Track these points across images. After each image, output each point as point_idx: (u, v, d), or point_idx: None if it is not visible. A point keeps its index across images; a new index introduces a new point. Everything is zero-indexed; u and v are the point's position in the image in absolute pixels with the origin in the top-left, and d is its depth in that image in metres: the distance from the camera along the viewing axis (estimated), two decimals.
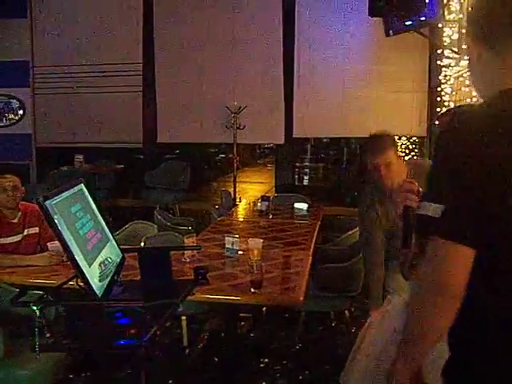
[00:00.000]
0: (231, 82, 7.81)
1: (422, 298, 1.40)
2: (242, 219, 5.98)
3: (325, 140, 12.31)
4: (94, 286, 1.64)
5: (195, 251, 3.93)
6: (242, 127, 7.63)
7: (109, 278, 1.83)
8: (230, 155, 8.99)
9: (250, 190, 10.86)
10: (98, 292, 1.66)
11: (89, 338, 1.63)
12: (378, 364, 2.21)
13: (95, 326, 1.61)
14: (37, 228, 4.08)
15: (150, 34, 8.06)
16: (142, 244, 4.31)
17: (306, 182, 11.20)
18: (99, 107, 8.23)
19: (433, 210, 1.33)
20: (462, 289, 1.33)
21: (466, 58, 4.79)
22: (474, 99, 4.57)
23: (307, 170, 11.85)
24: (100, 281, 1.74)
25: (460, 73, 5.25)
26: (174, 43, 7.99)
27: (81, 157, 8.16)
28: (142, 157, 9.13)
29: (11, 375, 2.80)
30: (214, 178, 11.10)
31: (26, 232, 4.02)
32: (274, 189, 9.06)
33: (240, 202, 7.40)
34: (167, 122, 8.10)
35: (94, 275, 1.71)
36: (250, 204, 6.82)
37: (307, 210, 5.96)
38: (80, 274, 1.61)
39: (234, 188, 7.89)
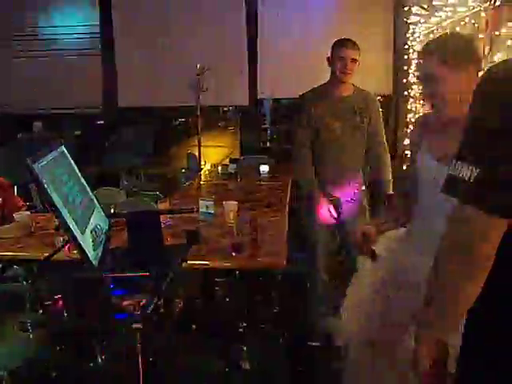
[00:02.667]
0: (194, 43, 7.57)
1: (451, 266, 1.32)
2: (210, 182, 5.86)
3: (284, 101, 12.16)
4: (89, 255, 1.51)
5: (167, 216, 3.82)
6: (205, 89, 7.44)
7: (101, 247, 1.69)
8: (190, 118, 8.81)
9: (213, 153, 10.66)
10: (95, 262, 1.53)
11: (86, 313, 1.51)
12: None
13: (93, 299, 1.49)
14: None
15: None
16: (112, 211, 4.15)
17: (268, 144, 11.07)
18: (55, 72, 7.87)
19: (465, 172, 1.22)
20: (492, 258, 1.25)
21: (436, 14, 4.73)
22: None
23: (269, 132, 11.71)
24: (94, 249, 1.60)
25: (430, 29, 5.18)
26: (132, 4, 7.68)
27: (39, 124, 7.84)
28: (102, 122, 8.84)
29: None
30: (176, 141, 10.84)
31: None
32: (237, 151, 8.92)
33: (205, 165, 7.26)
34: (128, 86, 7.83)
35: (87, 243, 1.57)
36: (215, 167, 6.70)
37: (269, 172, 5.93)
38: (75, 242, 1.47)
39: (199, 151, 7.71)
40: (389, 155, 4.12)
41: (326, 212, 3.90)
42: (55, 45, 7.84)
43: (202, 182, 5.86)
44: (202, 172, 6.42)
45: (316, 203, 3.91)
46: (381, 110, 4.19)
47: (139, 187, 5.74)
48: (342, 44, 3.77)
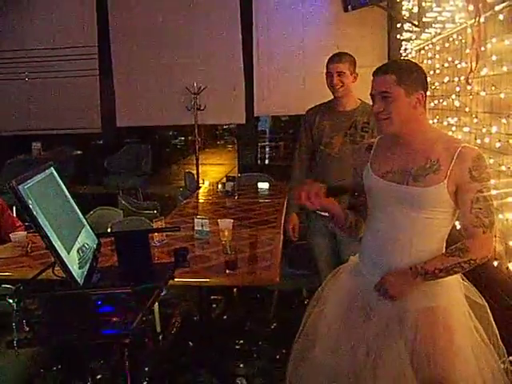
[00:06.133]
0: (190, 63, 7.67)
1: None
2: (207, 201, 5.90)
3: (283, 118, 12.28)
4: (74, 273, 1.55)
5: (164, 234, 3.86)
6: (202, 108, 7.52)
7: (88, 265, 1.73)
8: (190, 137, 8.88)
9: (211, 171, 10.72)
10: (79, 280, 1.56)
11: (72, 330, 1.54)
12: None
13: (79, 316, 1.52)
14: None
15: (105, 16, 7.82)
16: (109, 230, 4.19)
17: (267, 161, 11.13)
18: (55, 93, 7.97)
19: None
20: None
21: (426, 30, 4.79)
22: (438, 71, 4.57)
23: (268, 149, 11.79)
24: (80, 268, 1.64)
25: (421, 46, 5.23)
26: (129, 26, 7.79)
27: (38, 144, 7.90)
28: (101, 142, 8.91)
29: None
30: (175, 160, 10.89)
31: None
32: (236, 169, 8.99)
33: (203, 183, 7.31)
34: (126, 106, 7.91)
35: (73, 262, 1.61)
36: (213, 185, 6.75)
37: (269, 189, 5.96)
38: (60, 261, 1.51)
39: (197, 170, 7.79)
40: None
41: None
42: (54, 66, 7.90)
43: (199, 201, 5.90)
44: (201, 190, 6.46)
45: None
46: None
47: (137, 207, 5.76)
48: (328, 60, 3.78)
